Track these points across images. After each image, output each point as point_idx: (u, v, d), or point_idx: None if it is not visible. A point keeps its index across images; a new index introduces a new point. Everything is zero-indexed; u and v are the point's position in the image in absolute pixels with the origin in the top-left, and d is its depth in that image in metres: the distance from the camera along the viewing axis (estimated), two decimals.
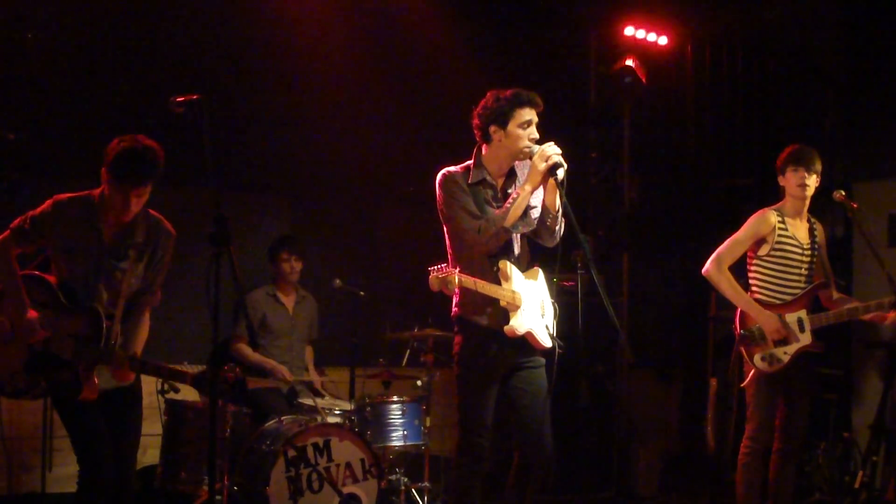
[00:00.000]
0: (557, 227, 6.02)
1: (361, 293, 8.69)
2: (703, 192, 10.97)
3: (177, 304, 8.78)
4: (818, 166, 7.07)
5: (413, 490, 8.25)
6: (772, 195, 7.41)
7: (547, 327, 6.16)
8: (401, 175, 9.62)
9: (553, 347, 6.13)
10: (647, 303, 10.88)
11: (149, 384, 8.00)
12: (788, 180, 7.09)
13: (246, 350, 8.57)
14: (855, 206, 7.19)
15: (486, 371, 6.07)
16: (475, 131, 6.12)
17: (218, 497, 7.30)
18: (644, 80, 10.46)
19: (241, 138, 9.14)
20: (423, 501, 8.21)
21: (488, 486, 6.27)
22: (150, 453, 8.69)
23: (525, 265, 6.20)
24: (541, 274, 6.26)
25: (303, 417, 7.94)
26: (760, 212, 7.14)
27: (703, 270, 7.16)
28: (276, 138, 9.51)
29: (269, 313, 8.74)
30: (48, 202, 5.71)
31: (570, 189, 5.78)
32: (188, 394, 7.88)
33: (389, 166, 9.82)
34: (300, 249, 8.83)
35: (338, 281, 8.63)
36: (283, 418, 7.85)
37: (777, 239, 7.04)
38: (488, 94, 6.07)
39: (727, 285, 7.09)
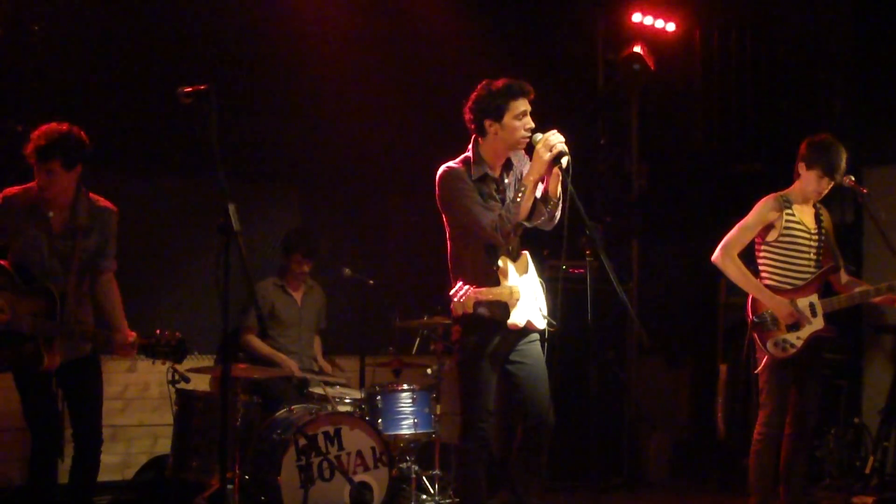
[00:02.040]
0: (556, 213, 6.03)
1: (371, 282, 8.70)
2: (712, 178, 10.94)
3: (186, 294, 8.84)
4: (840, 178, 7.01)
5: (424, 478, 8.27)
6: (780, 181, 7.38)
7: (540, 309, 6.21)
8: (409, 163, 9.61)
9: (547, 326, 6.21)
10: (657, 289, 10.87)
11: (159, 374, 8.07)
12: (810, 179, 7.02)
13: (255, 341, 8.58)
14: (864, 191, 7.18)
15: (488, 358, 6.11)
16: (469, 125, 6.12)
17: (229, 486, 7.32)
18: (652, 66, 10.45)
19: (250, 128, 9.14)
20: (433, 489, 8.23)
21: (494, 471, 6.28)
22: (161, 443, 8.74)
23: (517, 253, 6.23)
24: (528, 258, 6.31)
25: (313, 406, 7.95)
26: (768, 197, 7.11)
27: (713, 258, 7.14)
28: (284, 127, 9.51)
29: (277, 304, 8.74)
30: None
31: (578, 176, 5.79)
32: (199, 384, 7.95)
33: (398, 155, 9.82)
34: (314, 253, 8.82)
35: (347, 270, 8.64)
36: (293, 407, 7.87)
37: (785, 224, 7.02)
38: (479, 86, 6.07)
39: (737, 272, 7.06)
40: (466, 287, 5.85)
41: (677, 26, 10.87)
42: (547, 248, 6.21)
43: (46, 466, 6.28)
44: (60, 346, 6.18)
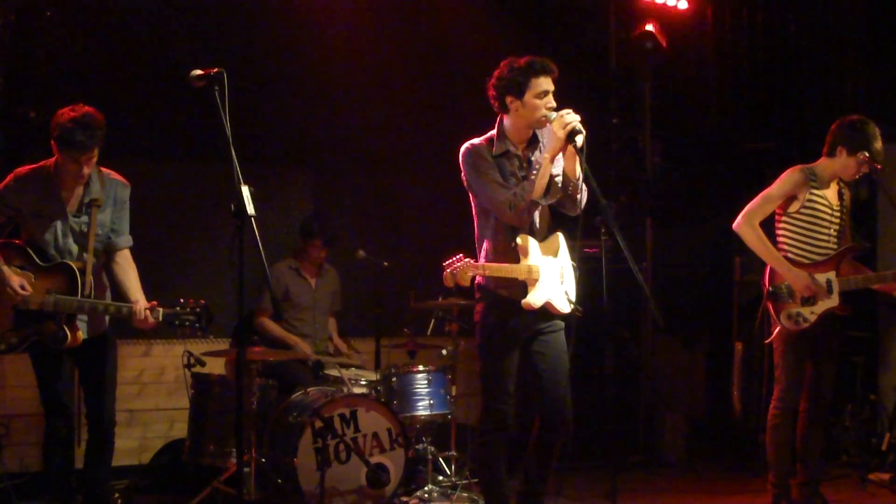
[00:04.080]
0: (579, 196, 6.00)
1: (385, 263, 8.72)
2: (725, 156, 10.92)
3: (201, 278, 8.84)
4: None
5: (440, 459, 8.28)
6: (793, 158, 7.37)
7: (566, 293, 6.18)
8: (423, 145, 9.59)
9: (572, 312, 6.17)
10: (671, 268, 10.84)
11: (175, 358, 8.08)
12: (846, 161, 7.01)
13: (270, 324, 8.60)
14: (879, 167, 7.15)
15: (507, 339, 6.12)
16: (492, 101, 6.13)
17: (246, 469, 7.33)
18: (665, 44, 10.41)
19: (263, 110, 9.14)
20: (449, 470, 8.23)
21: (513, 453, 6.30)
22: (177, 427, 8.76)
23: (545, 233, 6.21)
24: (561, 239, 6.29)
25: (329, 388, 7.95)
26: (793, 169, 7.09)
27: (734, 225, 7.12)
28: (298, 110, 9.50)
29: (291, 287, 8.75)
30: (10, 176, 6.25)
31: (592, 155, 5.77)
32: (214, 367, 7.96)
33: (411, 136, 9.79)
34: (335, 241, 8.83)
35: (361, 252, 8.65)
36: (309, 390, 7.87)
37: (809, 196, 7.01)
38: (502, 63, 6.07)
39: (757, 241, 7.04)
40: (466, 260, 5.85)
41: (689, 4, 10.81)
42: (562, 227, 6.20)
43: (60, 449, 6.33)
44: (82, 322, 6.22)
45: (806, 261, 7.04)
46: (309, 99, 9.53)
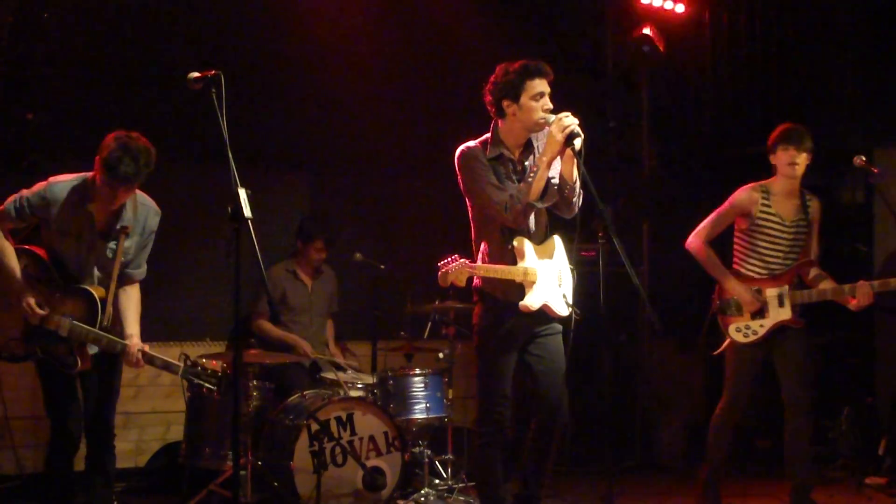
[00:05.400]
0: (575, 199, 6.03)
1: (382, 266, 8.72)
2: (722, 159, 10.91)
3: (198, 281, 8.83)
4: (809, 144, 7.17)
5: (436, 462, 8.28)
6: None
7: (564, 296, 6.19)
8: (420, 148, 9.59)
9: (570, 315, 6.18)
10: (668, 271, 10.83)
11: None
12: (779, 158, 7.20)
13: (267, 326, 8.61)
14: (875, 170, 7.21)
15: (504, 342, 6.13)
16: (488, 107, 6.14)
17: (242, 472, 7.34)
18: (662, 48, 10.41)
19: (260, 113, 9.14)
20: (446, 473, 8.24)
21: (510, 456, 6.30)
22: (173, 430, 8.75)
23: (542, 237, 6.22)
24: (558, 242, 6.31)
25: (325, 391, 7.96)
26: (745, 187, 7.31)
27: (686, 244, 7.39)
28: (295, 113, 9.50)
29: (288, 290, 8.76)
30: (43, 184, 5.99)
31: (589, 158, 5.78)
32: None
33: (408, 139, 9.78)
34: (335, 241, 8.84)
35: (358, 254, 8.64)
36: (305, 393, 7.88)
37: (758, 215, 7.21)
38: (497, 68, 6.09)
39: (706, 258, 7.33)
40: (461, 260, 5.86)
41: (686, 7, 10.83)
42: (559, 231, 6.22)
43: (64, 459, 6.16)
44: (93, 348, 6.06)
45: (757, 276, 7.25)
46: (306, 102, 9.53)
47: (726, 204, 7.31)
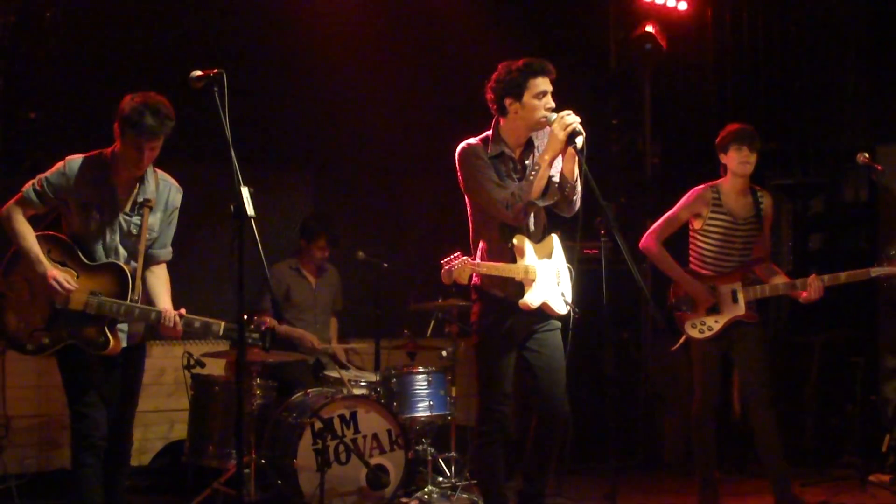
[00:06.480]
0: (575, 198, 6.03)
1: (385, 264, 8.72)
2: None
3: (201, 278, 8.83)
4: (759, 144, 7.35)
5: (440, 460, 8.28)
6: (793, 159, 7.39)
7: (562, 295, 6.20)
8: (422, 146, 9.59)
9: (568, 313, 6.20)
10: None
11: (174, 360, 8.06)
12: (731, 158, 7.33)
13: (271, 323, 8.59)
14: (879, 167, 7.23)
15: (504, 340, 6.13)
16: (490, 105, 6.14)
17: (246, 470, 7.34)
18: (664, 46, 10.41)
19: (263, 111, 9.14)
20: (449, 471, 8.24)
21: (512, 454, 6.30)
22: (177, 428, 8.76)
23: (541, 235, 6.22)
24: (556, 240, 6.31)
25: (329, 390, 7.96)
26: (695, 189, 7.43)
27: (640, 245, 7.51)
28: (298, 111, 9.51)
29: (292, 287, 8.76)
30: (61, 163, 5.83)
31: (591, 156, 5.78)
32: (214, 368, 7.96)
33: (411, 138, 9.80)
34: (338, 239, 8.83)
35: (361, 253, 8.65)
36: (309, 391, 7.88)
37: (710, 215, 7.34)
38: (500, 66, 6.09)
39: (660, 257, 7.46)
40: (464, 258, 5.86)
41: (689, 5, 10.83)
42: (561, 228, 6.22)
43: (92, 454, 5.79)
44: (122, 332, 5.87)
45: (710, 273, 7.36)
46: (309, 101, 9.54)
47: (678, 206, 7.44)
